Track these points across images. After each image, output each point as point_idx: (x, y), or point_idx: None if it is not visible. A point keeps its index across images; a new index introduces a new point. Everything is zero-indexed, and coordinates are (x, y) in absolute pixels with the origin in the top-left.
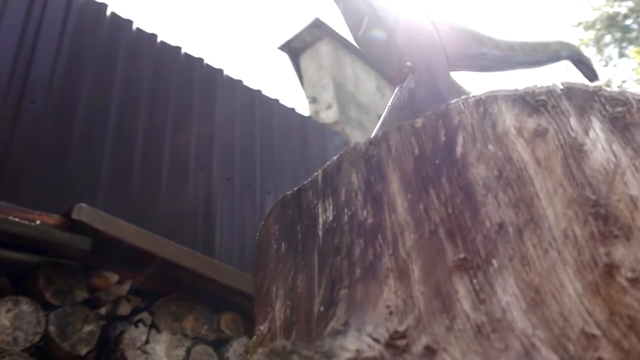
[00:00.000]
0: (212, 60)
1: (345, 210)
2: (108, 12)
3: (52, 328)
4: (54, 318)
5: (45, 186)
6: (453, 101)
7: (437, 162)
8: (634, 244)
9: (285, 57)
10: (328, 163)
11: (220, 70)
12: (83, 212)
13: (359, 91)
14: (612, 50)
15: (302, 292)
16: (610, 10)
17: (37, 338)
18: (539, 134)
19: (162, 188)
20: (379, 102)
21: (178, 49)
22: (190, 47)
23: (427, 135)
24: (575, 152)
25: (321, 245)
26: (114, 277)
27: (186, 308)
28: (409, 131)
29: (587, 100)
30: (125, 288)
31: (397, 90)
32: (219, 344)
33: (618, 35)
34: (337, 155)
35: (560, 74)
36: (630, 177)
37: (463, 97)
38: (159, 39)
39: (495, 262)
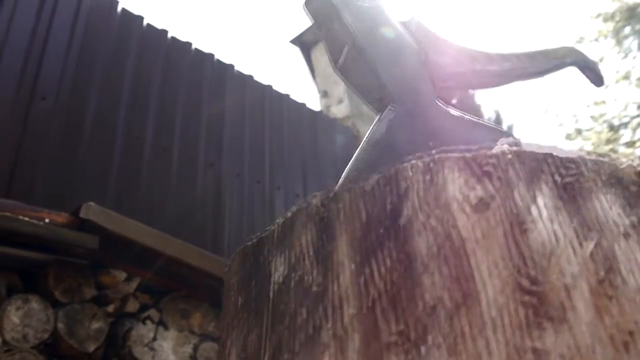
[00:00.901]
0: (223, 55)
1: (294, 274)
2: (119, 9)
3: (60, 325)
4: (62, 315)
5: (55, 184)
6: (407, 160)
7: (382, 230)
8: (564, 331)
9: (297, 51)
10: (284, 217)
11: (231, 66)
12: (91, 210)
13: None
14: (632, 42)
15: (251, 354)
16: (630, 2)
17: (46, 335)
18: (481, 207)
19: (171, 184)
20: None
21: (188, 44)
22: (200, 43)
23: (375, 200)
24: (516, 228)
25: (271, 307)
26: (122, 275)
27: (193, 305)
28: (358, 194)
29: (536, 168)
30: (133, 286)
31: (375, 122)
32: None
33: (638, 26)
34: (292, 211)
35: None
36: (566, 261)
37: (412, 159)
38: (169, 35)
39: (425, 346)
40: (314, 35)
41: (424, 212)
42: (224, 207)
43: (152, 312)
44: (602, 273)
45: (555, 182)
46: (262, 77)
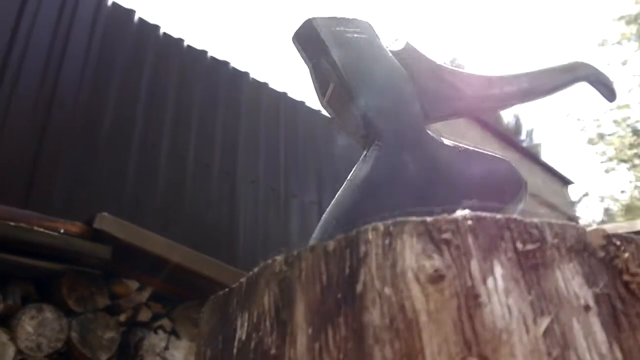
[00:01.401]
0: (238, 63)
1: (255, 334)
2: (135, 18)
3: (74, 334)
4: (76, 325)
5: (71, 193)
6: (370, 221)
7: (339, 296)
8: None
9: None
10: (250, 273)
11: (246, 74)
12: (104, 221)
13: None
14: None
15: None
16: None
17: (59, 344)
18: (437, 278)
19: (186, 192)
20: None
21: (204, 52)
22: (216, 50)
23: (335, 263)
24: (470, 301)
25: None
26: (134, 285)
27: None
28: (320, 255)
29: (496, 236)
30: (145, 295)
31: (360, 160)
32: None
33: None
34: (258, 268)
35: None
36: (518, 340)
37: (369, 226)
38: (185, 43)
39: None
40: None
41: (380, 280)
42: (239, 215)
43: (164, 322)
44: (555, 352)
45: (515, 250)
46: (277, 84)
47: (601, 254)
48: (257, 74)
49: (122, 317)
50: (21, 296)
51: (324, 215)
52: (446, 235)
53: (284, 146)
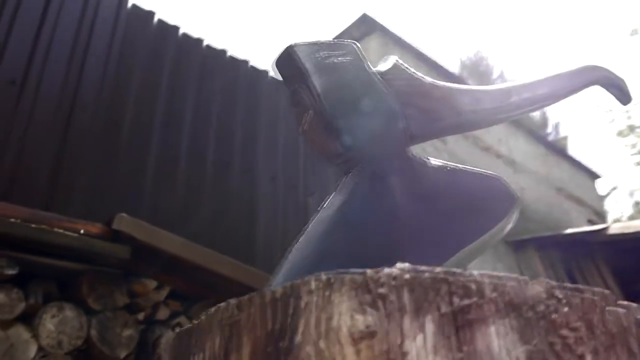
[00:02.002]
0: (257, 61)
1: None
2: (155, 20)
3: (93, 332)
4: (95, 323)
5: (93, 194)
6: (314, 274)
7: (280, 344)
8: None
9: None
10: (209, 313)
11: (265, 72)
12: (123, 222)
13: None
14: None
15: None
16: None
17: (80, 342)
18: (367, 335)
19: (205, 190)
20: None
21: (223, 52)
22: (235, 49)
23: (280, 310)
24: None
25: None
26: (152, 284)
27: None
28: (268, 301)
29: (430, 292)
30: (164, 294)
31: (337, 188)
32: None
33: None
34: (211, 310)
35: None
36: None
37: (308, 278)
38: (204, 43)
39: None
40: (350, 37)
41: (316, 333)
42: (258, 213)
43: (182, 319)
44: None
45: (451, 305)
46: None
47: (540, 307)
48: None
49: (141, 316)
50: (43, 295)
51: (294, 245)
52: (382, 290)
53: (303, 143)
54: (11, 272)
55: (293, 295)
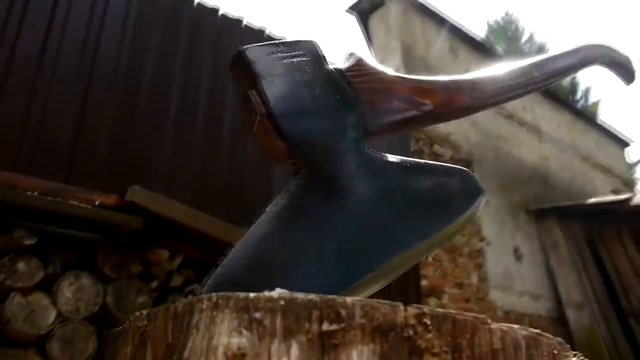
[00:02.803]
0: (274, 29)
1: None
2: None
3: (109, 299)
4: (111, 290)
5: (110, 165)
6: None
7: (175, 358)
8: None
9: (353, 20)
10: (119, 328)
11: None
12: (136, 193)
13: (429, 54)
14: None
15: None
16: None
17: (96, 308)
18: (239, 357)
19: (223, 162)
20: (451, 64)
21: (239, 21)
22: (252, 18)
23: (178, 325)
24: None
25: None
26: (166, 253)
27: None
28: (171, 314)
29: (301, 318)
30: (177, 262)
31: (282, 191)
32: None
33: None
34: (133, 317)
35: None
36: None
37: (199, 294)
38: (220, 13)
39: None
40: (371, 2)
41: (200, 350)
42: (274, 183)
43: (195, 287)
44: None
45: (320, 330)
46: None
47: (407, 333)
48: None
49: (154, 284)
50: (61, 264)
51: (233, 249)
52: (258, 314)
53: None
54: (30, 242)
55: (188, 312)
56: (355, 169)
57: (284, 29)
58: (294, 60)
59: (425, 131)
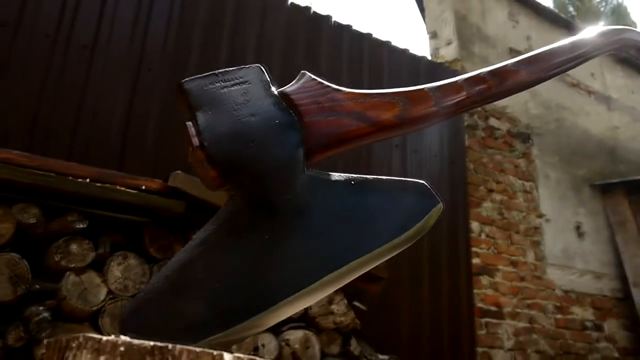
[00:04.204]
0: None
1: None
2: None
3: None
4: (156, 269)
5: (156, 151)
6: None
7: None
8: None
9: None
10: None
11: (328, 17)
12: (177, 178)
13: (485, 22)
14: None
15: None
16: None
17: (142, 286)
18: None
19: None
20: (510, 32)
21: (284, 0)
22: None
23: (60, 356)
24: None
25: None
26: None
27: None
28: (57, 347)
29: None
30: None
31: (210, 220)
32: None
33: None
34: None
35: None
36: None
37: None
38: None
39: None
40: None
41: None
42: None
43: None
44: None
45: None
46: (361, 26)
47: None
48: (339, 17)
49: None
50: (110, 245)
51: (157, 274)
52: (103, 357)
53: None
54: (82, 225)
55: (66, 347)
56: (289, 191)
57: (331, 4)
58: (233, 88)
59: None
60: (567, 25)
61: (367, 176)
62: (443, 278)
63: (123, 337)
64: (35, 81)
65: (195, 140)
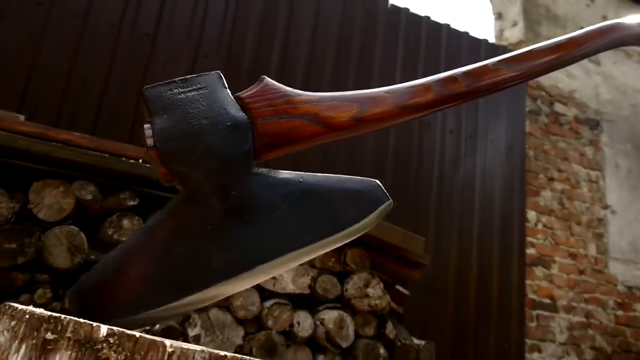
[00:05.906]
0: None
1: None
2: None
3: None
4: None
5: None
6: None
7: None
8: None
9: None
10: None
11: (405, 9)
12: None
13: (555, 1)
14: None
15: None
16: None
17: None
18: None
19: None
20: (583, 11)
21: None
22: None
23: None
24: None
25: None
26: None
27: None
28: None
29: (34, 328)
30: None
31: (159, 211)
32: (343, 276)
33: None
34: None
35: None
36: None
37: None
38: None
39: None
40: None
41: None
42: (387, 169)
43: None
44: None
45: (43, 338)
46: (419, 10)
47: (98, 347)
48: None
49: None
50: None
51: (105, 256)
52: (13, 322)
53: (422, 72)
54: (132, 203)
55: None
56: (235, 187)
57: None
58: (190, 94)
59: (544, 88)
60: None
61: (317, 174)
62: (493, 267)
63: (30, 307)
64: (103, 66)
65: (150, 141)
